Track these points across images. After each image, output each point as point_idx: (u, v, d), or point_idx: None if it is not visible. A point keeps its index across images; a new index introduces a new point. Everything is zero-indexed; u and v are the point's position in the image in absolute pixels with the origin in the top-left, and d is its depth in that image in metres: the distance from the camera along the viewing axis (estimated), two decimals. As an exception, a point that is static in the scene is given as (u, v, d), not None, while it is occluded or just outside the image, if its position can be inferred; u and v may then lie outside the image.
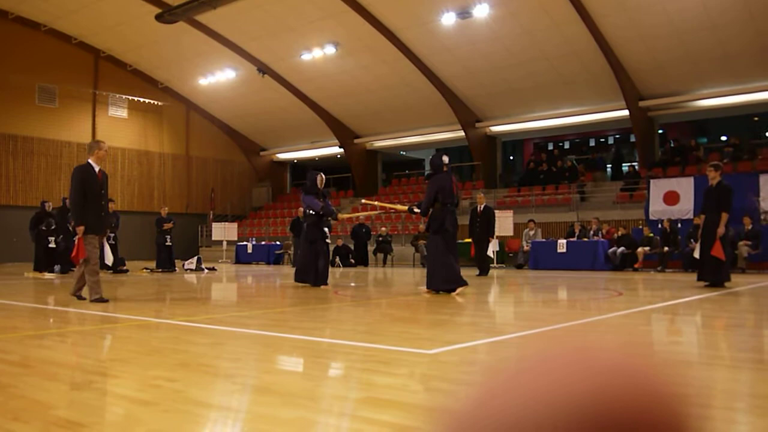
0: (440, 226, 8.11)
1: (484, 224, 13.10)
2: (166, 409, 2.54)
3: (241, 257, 22.50)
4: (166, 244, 15.49)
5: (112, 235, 14.47)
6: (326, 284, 9.61)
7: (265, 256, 21.93)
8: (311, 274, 9.63)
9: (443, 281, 8.11)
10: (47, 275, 13.34)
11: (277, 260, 21.61)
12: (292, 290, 9.20)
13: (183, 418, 2.45)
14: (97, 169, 7.27)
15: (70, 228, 7.39)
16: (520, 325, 5.62)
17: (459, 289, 8.12)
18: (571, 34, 18.27)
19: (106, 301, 7.09)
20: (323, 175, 10.08)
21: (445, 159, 8.33)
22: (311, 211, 9.77)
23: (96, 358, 3.88)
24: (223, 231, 23.23)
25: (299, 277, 9.88)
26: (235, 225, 24.01)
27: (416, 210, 9.23)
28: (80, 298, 7.28)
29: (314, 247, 9.76)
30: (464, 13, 18.42)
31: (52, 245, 14.03)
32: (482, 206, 13.23)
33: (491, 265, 14.19)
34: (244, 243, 22.84)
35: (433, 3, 18.63)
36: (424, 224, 9.56)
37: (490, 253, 13.84)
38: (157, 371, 3.31)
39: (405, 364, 3.54)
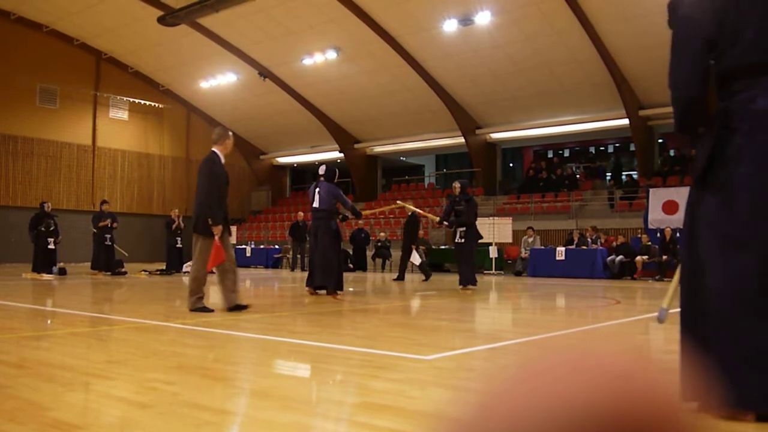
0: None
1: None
2: (163, 412, 2.53)
3: (240, 261, 22.43)
4: (177, 246, 15.61)
5: (108, 236, 14.48)
6: (342, 290, 8.88)
7: (264, 260, 21.93)
8: (334, 278, 8.59)
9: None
10: (45, 276, 13.33)
11: (276, 264, 21.61)
12: (291, 295, 9.18)
13: (179, 421, 2.44)
14: (223, 160, 6.75)
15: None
16: (518, 332, 5.62)
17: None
18: (572, 42, 18.31)
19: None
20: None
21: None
22: (343, 208, 8.92)
23: (92, 359, 3.87)
24: (222, 234, 23.16)
25: (323, 282, 8.60)
26: (234, 228, 23.98)
27: (446, 223, 9.87)
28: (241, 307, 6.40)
29: (338, 247, 8.90)
30: (466, 20, 18.46)
31: (51, 246, 14.04)
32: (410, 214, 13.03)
33: (491, 272, 14.13)
34: (243, 246, 22.84)
35: (435, 9, 18.66)
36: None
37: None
38: (154, 374, 3.31)
39: (402, 369, 3.53)
